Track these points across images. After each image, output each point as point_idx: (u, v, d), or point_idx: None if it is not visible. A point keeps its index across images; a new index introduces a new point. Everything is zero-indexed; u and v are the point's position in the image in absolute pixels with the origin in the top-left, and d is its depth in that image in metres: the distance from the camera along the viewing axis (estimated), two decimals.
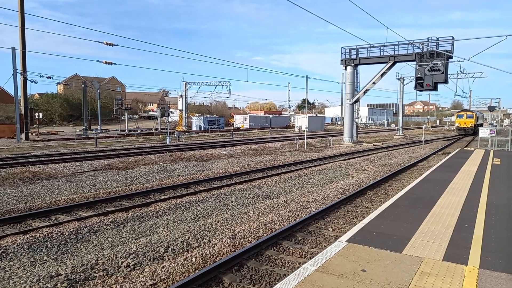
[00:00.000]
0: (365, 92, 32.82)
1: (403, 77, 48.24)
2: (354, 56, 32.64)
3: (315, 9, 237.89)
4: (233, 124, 68.36)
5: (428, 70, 28.48)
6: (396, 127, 54.70)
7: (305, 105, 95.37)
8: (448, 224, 6.96)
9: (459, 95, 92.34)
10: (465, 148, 26.47)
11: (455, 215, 7.61)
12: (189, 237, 7.60)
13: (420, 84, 29.71)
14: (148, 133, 43.96)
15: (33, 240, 7.31)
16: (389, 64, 30.91)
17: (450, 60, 29.04)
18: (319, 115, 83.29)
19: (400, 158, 21.95)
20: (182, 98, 56.38)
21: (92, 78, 70.74)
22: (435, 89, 30.12)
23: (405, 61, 30.91)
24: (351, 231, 6.47)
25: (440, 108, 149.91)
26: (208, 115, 66.90)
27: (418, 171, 17.13)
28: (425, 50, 29.19)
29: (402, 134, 47.22)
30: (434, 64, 28.01)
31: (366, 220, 7.15)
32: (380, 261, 5.09)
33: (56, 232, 7.73)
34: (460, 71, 45.51)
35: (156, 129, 50.01)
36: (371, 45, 30.84)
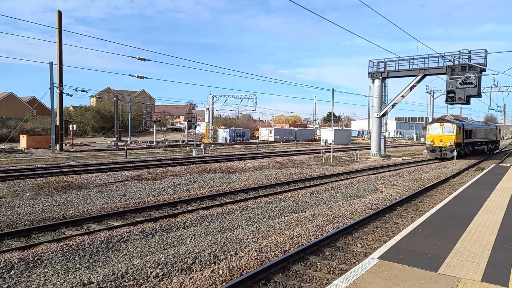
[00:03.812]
0: (393, 106, 32.24)
1: (433, 90, 46.92)
2: (382, 69, 32.24)
3: (342, 22, 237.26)
4: (258, 137, 68.53)
5: (460, 83, 27.64)
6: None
7: (331, 118, 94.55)
8: (486, 243, 6.64)
9: (493, 109, 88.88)
10: (501, 164, 25.32)
11: (493, 234, 7.26)
12: (216, 249, 7.61)
13: (451, 98, 28.87)
14: (175, 145, 44.77)
15: (67, 248, 7.53)
16: (419, 77, 30.28)
17: (483, 73, 28.11)
18: (345, 128, 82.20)
19: (431, 173, 21.26)
20: (209, 111, 57.31)
21: (123, 91, 73.21)
22: (468, 102, 29.15)
23: (435, 74, 30.19)
24: (382, 248, 6.29)
25: None
26: (233, 128, 67.49)
27: (450, 187, 16.51)
28: (456, 63, 28.42)
29: None
30: (466, 77, 27.16)
31: (398, 237, 6.93)
32: (415, 280, 4.90)
33: (88, 241, 7.94)
34: (494, 84, 43.75)
35: (183, 141, 50.86)
36: (400, 58, 30.41)
